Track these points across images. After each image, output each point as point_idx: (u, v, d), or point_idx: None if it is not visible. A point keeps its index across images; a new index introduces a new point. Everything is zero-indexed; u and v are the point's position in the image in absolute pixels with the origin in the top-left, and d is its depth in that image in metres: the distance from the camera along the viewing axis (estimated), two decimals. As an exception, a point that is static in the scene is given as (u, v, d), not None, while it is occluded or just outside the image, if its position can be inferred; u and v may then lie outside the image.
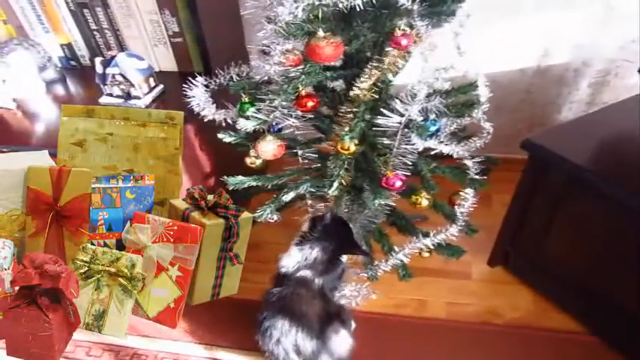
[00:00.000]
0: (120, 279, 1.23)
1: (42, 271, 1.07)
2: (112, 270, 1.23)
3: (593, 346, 1.42)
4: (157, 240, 1.28)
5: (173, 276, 1.28)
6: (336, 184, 1.19)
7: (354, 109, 1.11)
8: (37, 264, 1.08)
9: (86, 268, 1.24)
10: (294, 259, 1.23)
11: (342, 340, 1.27)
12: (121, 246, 1.35)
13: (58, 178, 1.28)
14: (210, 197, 1.32)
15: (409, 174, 1.16)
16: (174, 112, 1.38)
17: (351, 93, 1.11)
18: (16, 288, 1.12)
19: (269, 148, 1.17)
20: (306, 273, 1.23)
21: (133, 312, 1.30)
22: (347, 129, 1.11)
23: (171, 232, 1.26)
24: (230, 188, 1.36)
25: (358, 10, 0.96)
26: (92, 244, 1.32)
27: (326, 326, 1.24)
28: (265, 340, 1.23)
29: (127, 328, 1.30)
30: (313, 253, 1.22)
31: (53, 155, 1.43)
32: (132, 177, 1.35)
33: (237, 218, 1.31)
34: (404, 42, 0.99)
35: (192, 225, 1.26)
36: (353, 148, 1.13)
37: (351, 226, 1.29)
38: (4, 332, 1.15)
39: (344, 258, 1.29)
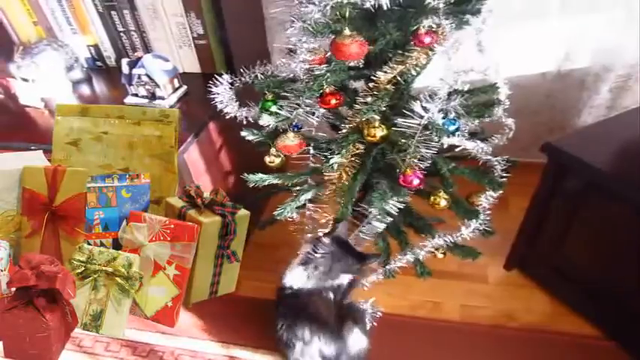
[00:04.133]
0: (117, 278, 1.19)
1: (38, 272, 1.03)
2: (109, 270, 1.19)
3: (609, 350, 1.35)
4: (153, 239, 1.24)
5: (170, 275, 1.24)
6: (336, 159, 1.14)
7: (374, 92, 1.06)
8: (34, 265, 1.04)
9: (83, 268, 1.20)
10: (299, 278, 1.21)
11: (356, 339, 1.22)
12: (117, 245, 1.30)
13: (53, 178, 1.24)
14: (206, 195, 1.28)
15: (427, 172, 1.13)
16: (169, 110, 1.34)
17: (371, 84, 1.07)
18: (13, 289, 1.08)
19: (290, 145, 1.15)
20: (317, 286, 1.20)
21: (131, 311, 1.25)
22: (365, 107, 1.07)
23: (168, 231, 1.22)
24: (251, 185, 1.30)
25: (385, 9, 0.95)
26: (88, 243, 1.28)
27: (341, 326, 1.20)
28: (289, 351, 1.20)
29: (125, 327, 1.25)
30: (318, 271, 1.20)
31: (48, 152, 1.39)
32: (127, 176, 1.30)
33: (234, 216, 1.26)
34: (427, 39, 0.98)
35: (189, 223, 1.21)
36: (379, 134, 1.10)
37: (351, 244, 1.25)
38: (1, 334, 1.11)
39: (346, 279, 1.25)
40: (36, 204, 1.25)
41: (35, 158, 1.33)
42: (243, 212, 1.29)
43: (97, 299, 1.22)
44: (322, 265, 1.20)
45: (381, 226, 1.25)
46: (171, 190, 1.36)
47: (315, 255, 1.21)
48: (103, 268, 1.20)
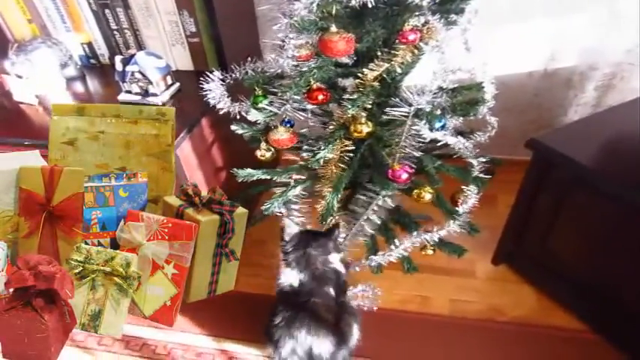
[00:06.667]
0: (115, 278, 1.17)
1: (36, 272, 1.01)
2: (107, 269, 1.17)
3: (595, 344, 1.36)
4: (151, 238, 1.21)
5: (169, 274, 1.21)
6: (322, 154, 1.16)
7: (360, 89, 1.07)
8: (31, 265, 1.02)
9: (81, 268, 1.17)
10: (291, 278, 1.22)
11: (353, 333, 1.22)
12: (115, 245, 1.27)
13: (50, 178, 1.21)
14: (204, 193, 1.26)
15: (414, 168, 1.10)
16: (166, 109, 1.30)
17: (357, 81, 1.11)
18: (11, 290, 1.06)
19: (281, 138, 1.16)
20: (313, 284, 1.21)
21: (129, 311, 1.22)
22: (350, 103, 1.08)
23: (166, 230, 1.19)
24: (239, 180, 1.30)
25: (370, 6, 0.97)
26: (86, 243, 1.25)
27: (339, 322, 1.20)
28: (278, 349, 1.19)
29: (123, 328, 1.22)
30: (300, 265, 1.22)
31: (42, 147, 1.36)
32: (125, 175, 1.28)
33: (232, 214, 1.23)
34: (411, 37, 1.01)
35: (187, 222, 1.19)
36: (366, 130, 1.12)
37: (312, 228, 1.28)
38: (0, 335, 1.08)
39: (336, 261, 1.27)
40: (33, 204, 1.23)
41: (32, 158, 1.30)
42: (241, 210, 1.26)
43: (96, 299, 1.19)
44: (297, 258, 1.23)
45: (377, 220, 1.28)
46: (169, 189, 1.34)
47: (287, 253, 1.24)
48: (101, 267, 1.18)
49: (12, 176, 1.23)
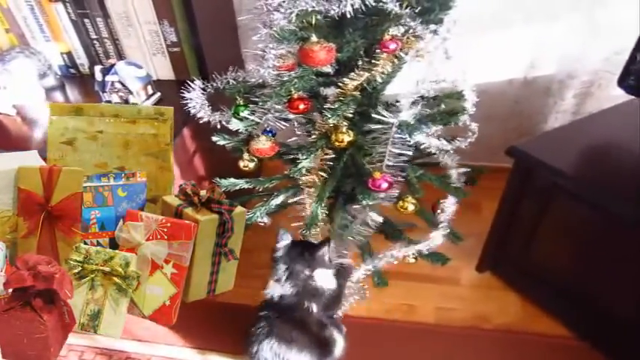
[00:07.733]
0: (114, 278, 1.18)
1: (35, 273, 1.01)
2: (106, 269, 1.18)
3: (580, 350, 1.39)
4: (150, 237, 1.22)
5: (168, 273, 1.22)
6: (304, 164, 1.15)
7: (341, 98, 1.08)
8: (31, 265, 1.02)
9: (80, 268, 1.18)
10: (275, 290, 1.21)
11: (337, 345, 1.22)
12: (114, 245, 1.28)
13: (48, 178, 1.22)
14: (203, 193, 1.27)
15: (396, 177, 1.11)
16: (164, 108, 1.31)
17: (338, 90, 1.08)
18: (10, 290, 1.06)
19: (263, 148, 1.16)
20: (295, 299, 1.20)
21: (129, 311, 1.23)
22: (331, 112, 1.08)
23: (165, 229, 1.20)
24: (222, 190, 1.29)
25: (349, 16, 0.96)
26: (85, 243, 1.26)
27: (322, 334, 1.20)
28: None
29: (122, 328, 1.22)
30: (286, 281, 1.21)
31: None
32: (123, 174, 1.29)
33: (231, 213, 1.25)
34: (392, 46, 1.01)
35: (186, 221, 1.20)
36: (347, 139, 1.12)
37: (304, 240, 1.26)
38: None
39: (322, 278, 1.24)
40: (32, 204, 1.24)
41: (31, 158, 1.31)
42: (240, 209, 1.28)
43: (95, 299, 1.20)
44: (282, 271, 1.21)
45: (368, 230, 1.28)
46: (168, 189, 1.36)
47: (275, 265, 1.23)
48: (100, 267, 1.19)
49: (10, 176, 1.24)
